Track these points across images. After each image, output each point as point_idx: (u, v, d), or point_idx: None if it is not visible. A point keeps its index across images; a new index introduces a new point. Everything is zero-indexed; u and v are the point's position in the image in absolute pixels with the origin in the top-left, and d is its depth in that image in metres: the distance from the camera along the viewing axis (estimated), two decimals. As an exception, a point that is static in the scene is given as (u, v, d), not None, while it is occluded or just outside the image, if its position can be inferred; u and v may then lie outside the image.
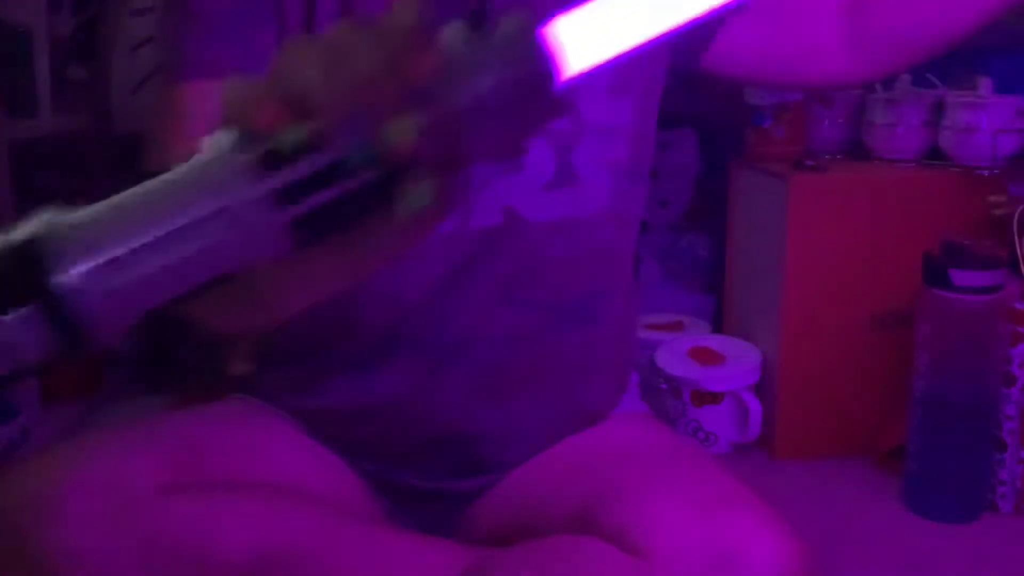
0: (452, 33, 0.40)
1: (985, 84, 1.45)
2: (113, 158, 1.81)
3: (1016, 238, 1.29)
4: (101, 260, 0.36)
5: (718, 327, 1.72)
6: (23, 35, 1.60)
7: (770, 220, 1.45)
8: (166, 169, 0.38)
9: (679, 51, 0.91)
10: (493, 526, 0.90)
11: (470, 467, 0.90)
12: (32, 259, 0.35)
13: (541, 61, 0.40)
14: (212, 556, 0.73)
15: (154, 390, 1.74)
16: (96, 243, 0.36)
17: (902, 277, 1.39)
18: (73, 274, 0.35)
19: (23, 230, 0.36)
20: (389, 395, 0.87)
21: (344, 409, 0.89)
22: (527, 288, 0.86)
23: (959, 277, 1.22)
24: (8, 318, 0.35)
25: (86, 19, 1.76)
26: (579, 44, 0.41)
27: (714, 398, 1.49)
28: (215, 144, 0.38)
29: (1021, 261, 1.28)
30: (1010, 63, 1.53)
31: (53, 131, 1.67)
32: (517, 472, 0.90)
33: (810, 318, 1.43)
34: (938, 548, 1.22)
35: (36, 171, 1.81)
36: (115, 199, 0.37)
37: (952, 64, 1.55)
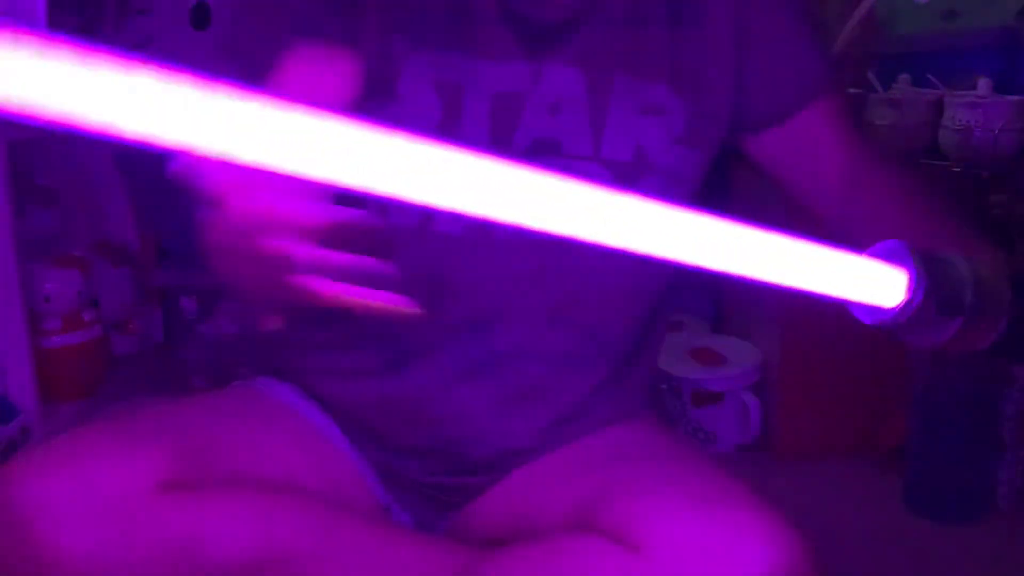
0: None
1: (985, 84, 1.45)
2: (115, 158, 1.81)
3: (1016, 238, 1.29)
4: None
5: (718, 327, 1.72)
6: (23, 35, 1.60)
7: (770, 220, 1.44)
8: None
9: (734, 125, 0.91)
10: (493, 525, 0.90)
11: (473, 466, 0.90)
12: None
13: None
14: (208, 554, 0.73)
15: (154, 390, 1.74)
16: None
17: (902, 277, 1.39)
18: None
19: None
20: (418, 394, 0.87)
21: (371, 397, 0.89)
22: (571, 314, 0.86)
23: (959, 277, 1.22)
24: None
25: (86, 19, 1.76)
26: None
27: (714, 398, 1.49)
28: None
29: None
30: (1010, 63, 1.53)
31: (53, 131, 1.67)
32: (517, 471, 0.91)
33: (810, 318, 1.42)
34: (938, 548, 1.22)
35: (36, 171, 1.82)
36: None
37: (952, 64, 1.55)
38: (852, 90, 1.55)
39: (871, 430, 1.44)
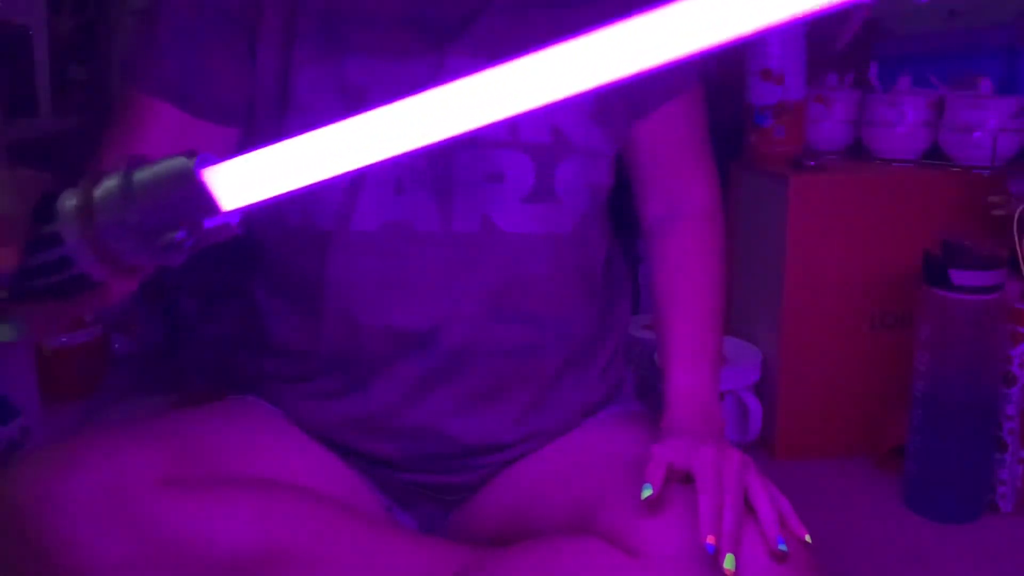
0: (106, 183, 0.52)
1: (985, 84, 1.45)
2: (113, 158, 1.81)
3: (1016, 238, 1.28)
4: None
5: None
6: (23, 35, 1.60)
7: (770, 220, 1.45)
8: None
9: (632, 104, 0.93)
10: (492, 526, 0.90)
11: (454, 467, 0.90)
12: None
13: (194, 198, 0.50)
14: (210, 550, 0.73)
15: (154, 390, 1.74)
16: None
17: (902, 277, 1.39)
18: None
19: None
20: (384, 409, 0.88)
21: (340, 418, 0.89)
22: (512, 304, 0.86)
23: (959, 277, 1.22)
24: None
25: (86, 19, 1.76)
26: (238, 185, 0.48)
27: (714, 398, 1.49)
28: None
29: (1021, 261, 1.28)
30: (1010, 63, 1.53)
31: (53, 131, 1.67)
32: (515, 472, 0.91)
33: (810, 318, 1.43)
34: (938, 548, 1.22)
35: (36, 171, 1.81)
36: None
37: (952, 64, 1.55)
38: (852, 90, 1.55)
39: (871, 430, 1.44)
